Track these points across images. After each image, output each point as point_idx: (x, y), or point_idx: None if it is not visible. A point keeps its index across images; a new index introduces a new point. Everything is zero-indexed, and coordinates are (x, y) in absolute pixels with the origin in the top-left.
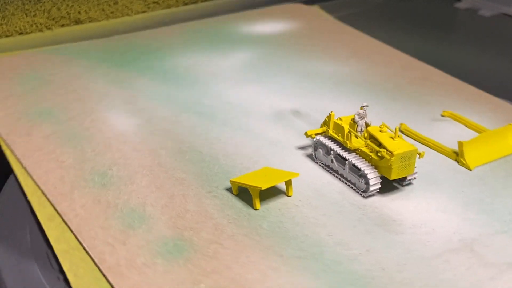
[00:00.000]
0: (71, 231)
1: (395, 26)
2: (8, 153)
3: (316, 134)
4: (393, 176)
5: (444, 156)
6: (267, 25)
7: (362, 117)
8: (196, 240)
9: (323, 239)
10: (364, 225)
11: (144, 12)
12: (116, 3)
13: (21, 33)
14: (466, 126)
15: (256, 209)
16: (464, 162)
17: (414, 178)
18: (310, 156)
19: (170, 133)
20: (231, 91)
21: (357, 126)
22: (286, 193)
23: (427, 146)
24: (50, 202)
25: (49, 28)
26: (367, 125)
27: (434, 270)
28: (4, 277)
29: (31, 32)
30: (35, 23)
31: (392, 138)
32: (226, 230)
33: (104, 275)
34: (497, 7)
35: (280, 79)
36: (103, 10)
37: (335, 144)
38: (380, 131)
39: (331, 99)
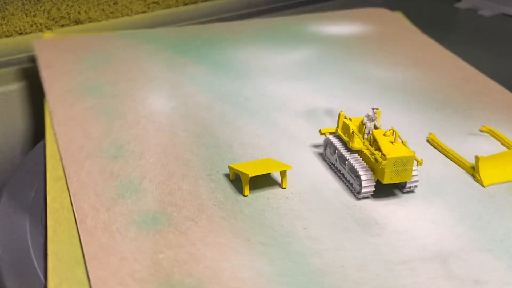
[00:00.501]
0: (69, 193)
1: None
2: (47, 119)
3: (329, 133)
4: (385, 180)
5: (463, 171)
6: (338, 27)
7: (371, 120)
8: (175, 216)
9: (296, 231)
10: (344, 223)
11: (144, 12)
12: (116, 3)
13: (21, 33)
14: (502, 143)
15: (245, 195)
16: (479, 178)
17: (415, 186)
18: (322, 154)
19: (197, 118)
20: (275, 85)
21: (365, 128)
22: (280, 185)
23: (449, 158)
24: (63, 166)
25: (49, 28)
26: (375, 128)
27: (395, 275)
28: None
29: (31, 32)
30: (35, 23)
31: (392, 142)
32: (207, 211)
33: (78, 234)
34: (497, 7)
35: (328, 79)
36: (103, 10)
37: (341, 143)
38: (384, 134)
39: (370, 103)
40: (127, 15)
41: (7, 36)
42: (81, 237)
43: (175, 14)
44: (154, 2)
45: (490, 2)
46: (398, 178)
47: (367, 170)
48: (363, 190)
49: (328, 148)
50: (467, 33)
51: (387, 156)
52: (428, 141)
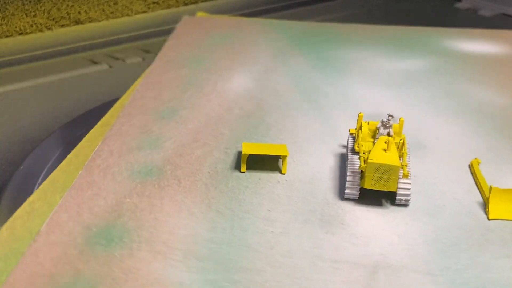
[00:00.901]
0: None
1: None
2: (138, 81)
3: (350, 134)
4: (366, 185)
5: (482, 200)
6: (467, 44)
7: (385, 127)
8: (167, 173)
9: (258, 211)
10: (309, 216)
11: (144, 12)
12: (116, 3)
13: (21, 33)
14: None
15: (241, 172)
16: (487, 209)
17: (406, 199)
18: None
19: (261, 101)
20: (360, 88)
21: (377, 133)
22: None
23: (476, 186)
24: (117, 117)
25: (49, 28)
26: (388, 135)
27: (314, 268)
28: None
29: (31, 32)
30: (35, 23)
31: (385, 150)
32: (196, 176)
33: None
34: (497, 7)
35: (418, 91)
36: (103, 10)
37: (352, 144)
38: (385, 142)
39: (444, 121)
40: (127, 15)
41: (7, 36)
42: (81, 171)
43: (175, 14)
44: (154, 2)
45: (490, 2)
46: (381, 185)
47: (355, 173)
48: (346, 191)
49: (346, 148)
50: None
51: (368, 161)
52: (469, 166)
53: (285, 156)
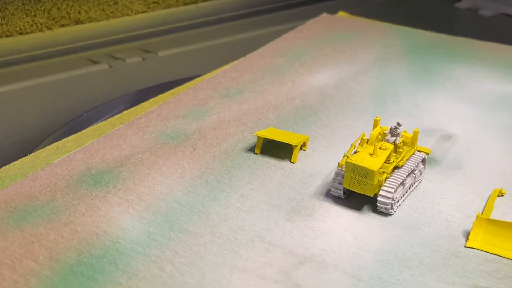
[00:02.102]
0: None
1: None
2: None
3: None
4: (345, 184)
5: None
6: None
7: (393, 134)
8: (186, 139)
9: (239, 188)
10: (283, 203)
11: (144, 12)
12: (116, 3)
13: (21, 33)
14: None
15: (255, 153)
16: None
17: (386, 208)
18: None
19: (328, 98)
20: (439, 101)
21: (384, 139)
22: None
23: (482, 212)
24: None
25: (49, 28)
26: (394, 143)
27: (245, 245)
28: None
29: (31, 32)
30: (35, 23)
31: (371, 154)
32: (209, 148)
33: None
34: (498, 7)
35: (498, 112)
36: (103, 10)
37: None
38: (380, 147)
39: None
40: (127, 15)
41: (7, 36)
42: (122, 125)
43: (175, 14)
44: (154, 2)
45: (490, 2)
46: (358, 187)
47: (340, 171)
48: (331, 188)
49: None
50: (467, 33)
51: (347, 160)
52: (500, 195)
53: (296, 146)
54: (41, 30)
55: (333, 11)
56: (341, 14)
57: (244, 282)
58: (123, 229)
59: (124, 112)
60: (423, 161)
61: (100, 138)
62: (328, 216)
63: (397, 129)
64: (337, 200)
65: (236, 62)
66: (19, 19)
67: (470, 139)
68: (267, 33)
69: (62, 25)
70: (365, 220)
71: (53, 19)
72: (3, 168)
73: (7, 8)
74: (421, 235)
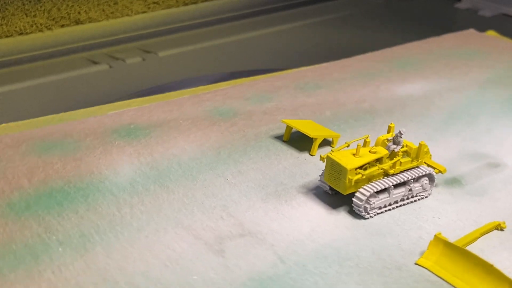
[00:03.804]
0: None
1: (395, 26)
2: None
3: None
4: (325, 178)
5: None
6: None
7: (394, 143)
8: (229, 117)
9: (241, 168)
10: (274, 190)
11: (144, 12)
12: (116, 3)
13: (21, 33)
14: None
15: (283, 140)
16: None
17: (359, 210)
18: None
19: (398, 107)
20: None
21: (385, 146)
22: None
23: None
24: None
25: (49, 29)
26: (393, 151)
27: (191, 215)
28: None
29: (31, 32)
30: (35, 23)
31: (354, 154)
32: (240, 128)
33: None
34: (497, 7)
35: None
36: (103, 10)
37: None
38: (370, 151)
39: None
40: (127, 15)
41: (7, 36)
42: (175, 99)
43: (175, 14)
44: (154, 2)
45: (490, 2)
46: (334, 184)
47: None
48: (319, 181)
49: None
50: None
51: (328, 154)
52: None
53: (315, 139)
54: (41, 31)
55: (333, 11)
56: (490, 33)
57: (177, 236)
58: (116, 173)
59: (205, 86)
60: (428, 176)
61: (160, 102)
62: (303, 206)
63: (398, 137)
64: (325, 195)
65: (339, 60)
66: (19, 19)
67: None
68: (267, 33)
69: (62, 25)
70: (337, 217)
71: (53, 19)
72: (77, 111)
73: (7, 9)
74: (380, 242)
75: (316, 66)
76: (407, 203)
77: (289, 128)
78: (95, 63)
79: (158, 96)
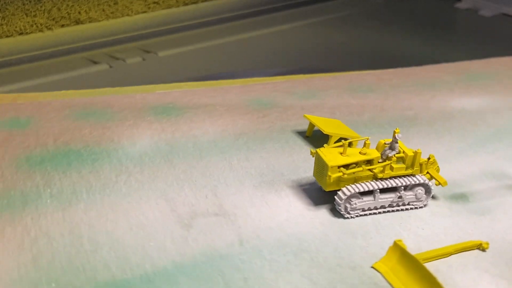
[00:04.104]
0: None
1: (395, 26)
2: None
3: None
4: (313, 172)
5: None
6: None
7: (390, 147)
8: (260, 106)
9: (239, 151)
10: (261, 174)
11: (144, 12)
12: (116, 3)
13: (21, 33)
14: None
15: (306, 136)
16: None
17: (339, 208)
18: None
19: (440, 120)
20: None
21: (383, 150)
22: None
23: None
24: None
25: (50, 28)
26: (387, 155)
27: (166, 187)
28: None
29: (31, 32)
30: (35, 23)
31: (341, 153)
32: (270, 119)
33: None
34: (498, 7)
35: None
36: (103, 10)
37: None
38: (360, 152)
39: None
40: (127, 15)
41: (7, 36)
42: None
43: (175, 14)
44: (154, 2)
45: (490, 2)
46: (319, 179)
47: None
48: (314, 178)
49: None
50: (467, 33)
51: (317, 149)
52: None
53: (331, 136)
54: (41, 30)
55: (333, 11)
56: None
57: (156, 206)
58: (132, 144)
59: (260, 78)
60: (424, 187)
61: (208, 88)
62: (289, 197)
63: (393, 142)
64: (317, 191)
65: (406, 68)
66: (19, 19)
67: None
68: (267, 33)
69: (62, 25)
70: (316, 212)
71: (53, 19)
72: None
73: (7, 9)
74: (348, 242)
75: (379, 71)
76: (397, 210)
77: (312, 124)
78: (95, 63)
79: (210, 82)
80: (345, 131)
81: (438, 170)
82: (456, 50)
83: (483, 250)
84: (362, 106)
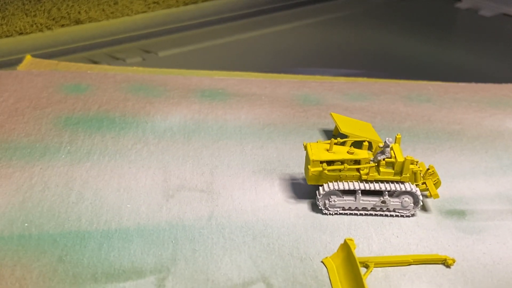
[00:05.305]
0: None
1: (395, 26)
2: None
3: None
4: (304, 168)
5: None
6: None
7: (381, 152)
8: (293, 100)
9: (251, 139)
10: (263, 162)
11: (144, 12)
12: (116, 3)
13: (21, 33)
14: None
15: (333, 134)
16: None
17: (318, 203)
18: None
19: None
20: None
21: (375, 153)
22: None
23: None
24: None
25: (49, 28)
26: (377, 159)
27: (159, 164)
28: None
29: (31, 32)
30: (35, 23)
31: (327, 150)
32: (297, 115)
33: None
34: (498, 7)
35: None
36: (103, 10)
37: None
38: (348, 151)
39: None
40: (127, 15)
41: (7, 36)
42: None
43: (175, 14)
44: (154, 2)
45: (490, 2)
46: (305, 172)
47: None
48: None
49: None
50: (467, 33)
51: (307, 144)
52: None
53: (347, 136)
54: (41, 30)
55: (333, 11)
56: None
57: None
58: (163, 120)
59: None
60: (412, 195)
61: (265, 79)
62: (279, 187)
63: (384, 147)
64: (310, 185)
65: (481, 84)
66: (19, 19)
67: None
68: (267, 33)
69: (62, 25)
70: (297, 205)
71: (53, 19)
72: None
73: (7, 8)
74: (312, 235)
75: (448, 83)
76: (382, 215)
77: (337, 127)
78: (95, 63)
79: (272, 74)
80: (367, 134)
81: (438, 183)
82: (456, 50)
83: (448, 266)
84: (409, 115)
